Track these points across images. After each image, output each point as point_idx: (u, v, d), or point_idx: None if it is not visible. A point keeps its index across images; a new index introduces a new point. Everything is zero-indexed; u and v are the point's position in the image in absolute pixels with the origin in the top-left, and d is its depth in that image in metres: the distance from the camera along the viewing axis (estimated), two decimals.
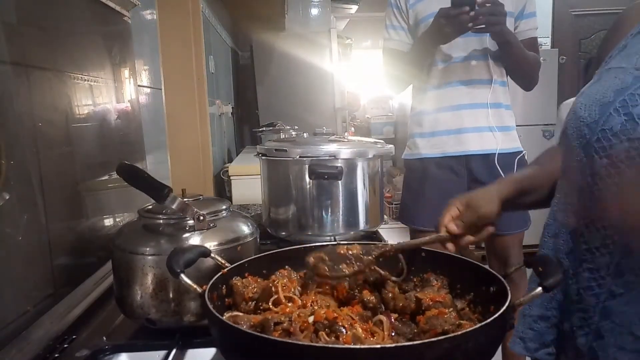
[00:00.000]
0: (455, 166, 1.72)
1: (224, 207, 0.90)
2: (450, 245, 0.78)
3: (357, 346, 0.54)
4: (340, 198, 1.27)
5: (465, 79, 1.68)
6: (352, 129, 4.76)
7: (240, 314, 0.67)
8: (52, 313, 0.83)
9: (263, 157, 1.34)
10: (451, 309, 0.66)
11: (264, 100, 3.50)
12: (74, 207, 0.98)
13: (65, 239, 0.92)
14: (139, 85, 1.38)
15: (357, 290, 0.74)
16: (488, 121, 1.69)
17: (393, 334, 0.64)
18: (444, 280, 0.75)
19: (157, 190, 0.80)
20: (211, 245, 0.80)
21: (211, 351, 0.77)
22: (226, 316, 0.62)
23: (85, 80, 1.02)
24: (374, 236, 1.36)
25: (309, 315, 0.60)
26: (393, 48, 1.77)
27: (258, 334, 0.55)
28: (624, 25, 0.75)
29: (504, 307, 0.57)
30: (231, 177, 2.08)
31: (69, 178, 0.96)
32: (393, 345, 0.53)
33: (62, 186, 0.92)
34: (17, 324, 0.74)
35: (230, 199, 2.05)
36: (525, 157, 1.74)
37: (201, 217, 0.82)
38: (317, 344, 0.55)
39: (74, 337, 0.82)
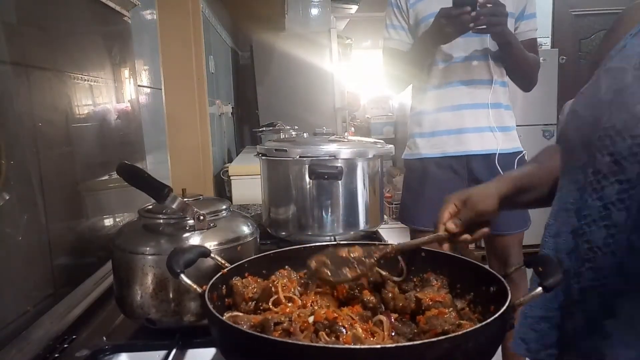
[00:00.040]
0: (455, 166, 1.72)
1: (224, 207, 0.90)
2: (445, 245, 0.78)
3: (357, 346, 0.54)
4: (340, 198, 1.27)
5: (466, 79, 1.68)
6: (352, 129, 4.76)
7: (240, 314, 0.67)
8: (52, 313, 0.83)
9: (263, 157, 1.34)
10: (451, 308, 0.65)
11: (264, 100, 3.50)
12: (74, 207, 0.98)
13: (65, 239, 0.92)
14: (139, 85, 1.38)
15: (357, 290, 0.74)
16: (489, 121, 1.69)
17: (393, 334, 0.64)
18: (444, 280, 0.75)
19: (157, 190, 0.80)
20: (211, 245, 0.80)
21: (211, 351, 0.77)
22: (226, 316, 0.62)
23: (85, 80, 1.02)
24: (374, 236, 1.36)
25: (309, 315, 0.60)
26: (393, 47, 1.77)
27: (258, 334, 0.55)
28: (623, 26, 0.75)
29: (504, 307, 0.57)
30: (231, 177, 2.08)
31: (69, 178, 0.96)
32: (393, 345, 0.53)
33: (62, 186, 0.92)
34: (17, 324, 0.74)
35: (230, 199, 2.05)
36: (526, 157, 1.74)
37: (201, 217, 0.82)
38: (317, 344, 0.55)
39: (74, 337, 0.82)
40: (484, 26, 1.51)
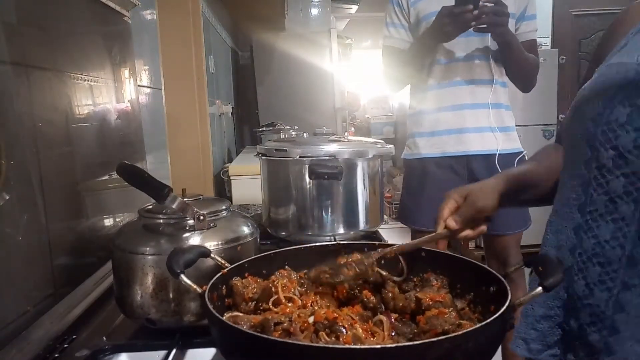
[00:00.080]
0: (455, 166, 1.72)
1: (224, 207, 0.90)
2: (441, 244, 0.78)
3: (357, 346, 0.54)
4: (340, 198, 1.27)
5: (467, 79, 1.68)
6: (352, 129, 4.76)
7: (240, 314, 0.67)
8: (52, 313, 0.83)
9: (263, 157, 1.34)
10: (451, 308, 0.66)
11: (264, 100, 3.50)
12: (74, 207, 0.98)
13: (65, 239, 0.92)
14: (139, 85, 1.38)
15: (357, 291, 0.74)
16: (489, 121, 1.69)
17: (393, 334, 0.64)
18: (444, 280, 0.75)
19: (157, 190, 0.80)
20: (211, 245, 0.80)
21: (211, 351, 0.77)
22: (226, 316, 0.62)
23: (85, 80, 1.02)
24: (374, 236, 1.36)
25: (309, 316, 0.60)
26: (392, 46, 1.77)
27: (258, 334, 0.55)
28: (623, 25, 0.75)
29: (504, 307, 0.57)
30: (231, 177, 2.08)
31: (69, 178, 0.96)
32: (393, 345, 0.53)
33: (62, 186, 0.92)
34: (17, 324, 0.74)
35: (230, 199, 2.05)
36: (526, 157, 1.75)
37: (201, 217, 0.82)
38: (317, 344, 0.55)
39: (74, 337, 0.82)
40: (485, 25, 1.51)
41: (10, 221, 0.75)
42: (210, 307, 0.60)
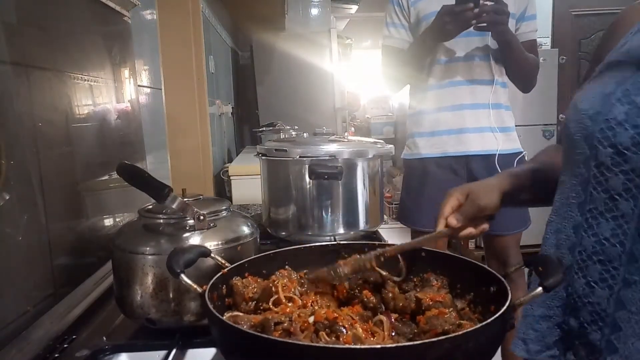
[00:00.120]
0: (455, 166, 1.72)
1: (224, 207, 0.90)
2: (439, 243, 0.78)
3: (358, 346, 0.54)
4: (340, 198, 1.27)
5: (467, 79, 1.68)
6: (352, 129, 4.76)
7: (241, 314, 0.67)
8: (52, 313, 0.83)
9: (263, 157, 1.34)
10: (451, 308, 0.66)
11: (264, 100, 3.50)
12: (74, 207, 0.98)
13: (65, 239, 0.92)
14: (139, 85, 1.38)
15: (357, 290, 0.74)
16: (489, 121, 1.69)
17: (393, 334, 0.64)
18: (444, 280, 0.75)
19: (158, 189, 0.80)
20: (211, 245, 0.80)
21: (211, 351, 0.77)
22: (226, 316, 0.62)
23: (85, 80, 1.02)
24: (374, 236, 1.36)
25: (309, 315, 0.60)
26: (392, 46, 1.77)
27: (258, 334, 0.55)
28: (623, 25, 0.75)
29: (505, 307, 0.57)
30: (231, 177, 2.08)
31: (69, 178, 0.96)
32: (393, 345, 0.53)
33: (62, 186, 0.92)
34: (17, 324, 0.74)
35: (230, 199, 2.05)
36: (525, 157, 1.75)
37: (201, 217, 0.82)
38: (317, 344, 0.55)
39: (74, 337, 0.82)
40: (485, 24, 1.51)
41: (10, 221, 0.75)
42: (211, 306, 0.60)
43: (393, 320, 0.67)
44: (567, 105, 0.74)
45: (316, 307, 0.66)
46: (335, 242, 0.87)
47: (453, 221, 0.77)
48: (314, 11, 3.92)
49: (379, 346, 0.51)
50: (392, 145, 1.38)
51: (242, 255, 0.82)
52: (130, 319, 0.85)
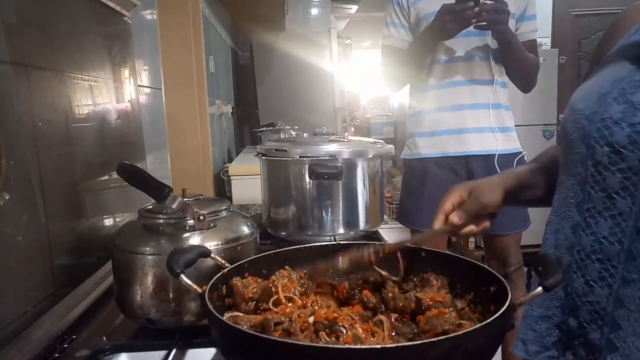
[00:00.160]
0: (454, 166, 1.72)
1: (224, 207, 0.90)
2: (438, 242, 0.78)
3: (358, 346, 0.54)
4: (340, 198, 1.27)
5: (467, 79, 1.68)
6: (352, 129, 4.76)
7: (241, 314, 0.67)
8: (52, 313, 0.83)
9: (263, 157, 1.34)
10: (451, 308, 0.66)
11: (264, 100, 3.50)
12: (74, 207, 0.98)
13: (65, 239, 0.92)
14: (139, 85, 1.38)
15: (357, 290, 0.74)
16: (489, 122, 1.69)
17: (393, 334, 0.64)
18: (444, 280, 0.75)
19: (158, 189, 0.80)
20: (211, 245, 0.80)
21: (211, 351, 0.77)
22: (226, 316, 0.62)
23: (85, 80, 1.02)
24: (374, 236, 1.36)
25: (309, 316, 0.60)
26: (392, 45, 1.77)
27: (258, 334, 0.55)
28: (623, 25, 0.75)
29: (504, 307, 0.57)
30: (231, 177, 2.08)
31: (69, 178, 0.96)
32: (393, 345, 0.53)
33: (62, 186, 0.92)
34: (17, 324, 0.74)
35: (230, 199, 2.05)
36: (525, 157, 1.75)
37: (201, 217, 0.82)
38: (317, 344, 0.55)
39: (74, 337, 0.82)
40: (485, 23, 1.51)
41: (10, 221, 0.75)
42: (211, 307, 0.60)
43: (393, 320, 0.67)
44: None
45: (316, 307, 0.66)
46: (335, 242, 0.87)
47: (455, 218, 0.76)
48: (314, 11, 3.91)
49: (379, 346, 0.51)
50: (392, 145, 1.38)
51: (242, 255, 0.82)
52: (130, 319, 0.86)
